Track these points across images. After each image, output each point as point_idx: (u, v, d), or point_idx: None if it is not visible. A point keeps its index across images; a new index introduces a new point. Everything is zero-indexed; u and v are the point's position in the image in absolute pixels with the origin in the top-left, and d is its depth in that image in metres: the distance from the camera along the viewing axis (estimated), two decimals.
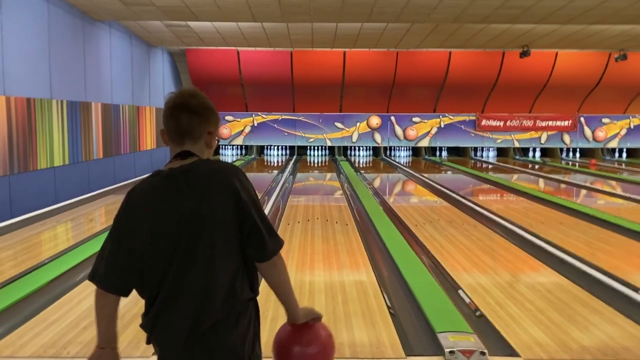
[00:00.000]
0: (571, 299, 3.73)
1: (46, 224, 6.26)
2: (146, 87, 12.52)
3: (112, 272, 1.59)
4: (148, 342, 1.63)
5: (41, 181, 7.64)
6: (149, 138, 12.54)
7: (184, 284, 1.54)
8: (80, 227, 6.34)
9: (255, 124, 15.66)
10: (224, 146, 16.07)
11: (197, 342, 1.54)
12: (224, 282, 1.54)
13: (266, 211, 7.15)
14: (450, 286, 4.02)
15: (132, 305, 3.19)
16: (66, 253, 4.92)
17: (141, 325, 1.62)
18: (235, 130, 15.70)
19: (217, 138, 1.73)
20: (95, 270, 1.62)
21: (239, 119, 15.66)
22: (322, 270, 4.37)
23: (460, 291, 3.89)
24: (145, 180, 1.63)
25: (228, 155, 16.03)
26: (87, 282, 3.14)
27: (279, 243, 1.63)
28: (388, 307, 3.52)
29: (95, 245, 5.09)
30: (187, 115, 1.60)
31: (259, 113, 15.62)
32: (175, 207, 1.55)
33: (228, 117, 15.63)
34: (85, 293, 3.81)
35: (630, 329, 3.21)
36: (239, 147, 16.12)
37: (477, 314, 3.46)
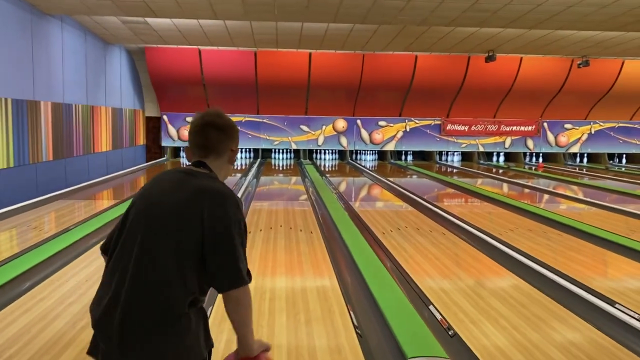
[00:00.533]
0: (542, 310, 3.53)
1: None
2: (102, 86, 11.94)
3: (108, 236, 1.76)
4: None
5: None
6: (104, 139, 11.96)
7: (130, 277, 1.57)
8: (25, 234, 5.84)
9: None
10: (184, 148, 15.54)
11: (130, 343, 1.53)
12: (168, 292, 1.54)
13: None
14: (421, 301, 3.76)
15: None
16: (8, 262, 4.45)
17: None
18: None
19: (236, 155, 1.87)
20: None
21: None
22: (284, 284, 4.05)
23: (431, 307, 3.64)
24: (171, 170, 1.78)
25: None
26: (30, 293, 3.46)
27: (239, 279, 1.59)
28: (355, 327, 3.23)
29: (43, 254, 4.64)
30: (215, 133, 1.78)
31: None
32: (165, 201, 1.64)
33: (189, 119, 15.10)
34: (26, 307, 3.40)
35: None
36: None
37: (450, 333, 3.21)
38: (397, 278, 4.23)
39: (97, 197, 9.07)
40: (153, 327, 1.53)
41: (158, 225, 1.60)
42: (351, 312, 3.46)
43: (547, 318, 3.47)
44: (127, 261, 1.59)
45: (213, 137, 1.77)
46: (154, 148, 15.47)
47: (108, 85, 12.34)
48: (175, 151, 15.63)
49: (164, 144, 15.25)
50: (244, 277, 1.60)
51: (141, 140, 15.06)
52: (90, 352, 1.64)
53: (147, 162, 15.00)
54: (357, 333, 3.15)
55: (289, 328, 3.23)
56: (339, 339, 3.05)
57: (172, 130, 15.15)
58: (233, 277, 1.58)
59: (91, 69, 11.24)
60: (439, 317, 3.44)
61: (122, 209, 7.08)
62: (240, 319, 1.62)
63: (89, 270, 4.35)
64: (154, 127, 15.34)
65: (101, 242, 1.79)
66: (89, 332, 1.70)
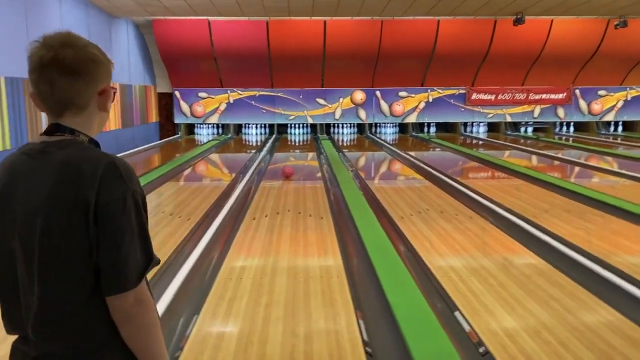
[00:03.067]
0: (602, 324, 2.92)
1: None
2: None
3: None
4: None
5: None
6: (112, 117, 11.49)
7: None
8: None
9: (231, 101, 14.61)
10: (198, 125, 15.04)
11: None
12: (62, 308, 1.16)
13: (234, 197, 6.30)
14: (445, 306, 3.18)
15: None
16: None
17: None
18: (209, 108, 14.64)
19: (113, 92, 1.32)
20: None
21: (213, 96, 14.59)
22: (284, 287, 3.50)
23: (457, 313, 3.06)
24: (20, 151, 1.25)
25: (203, 135, 15.01)
26: None
27: (123, 281, 1.15)
28: (364, 344, 2.67)
29: None
30: (64, 78, 1.20)
31: (234, 89, 14.56)
32: (16, 196, 1.19)
33: (201, 94, 14.56)
34: None
35: None
36: (214, 125, 15.09)
37: (482, 350, 2.63)
38: (416, 276, 3.64)
39: None
40: None
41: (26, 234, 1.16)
42: (361, 324, 2.90)
43: (612, 338, 2.85)
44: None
45: (62, 84, 1.20)
46: (167, 125, 14.99)
47: (115, 61, 11.69)
48: (190, 128, 15.14)
49: (176, 120, 14.76)
50: (129, 278, 1.15)
51: (154, 117, 14.58)
52: None
53: (160, 139, 14.56)
54: (366, 352, 2.59)
55: (285, 343, 2.69)
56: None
57: (184, 107, 14.63)
58: (114, 277, 1.15)
59: (95, 43, 10.69)
60: (467, 327, 2.86)
61: None
62: (135, 344, 1.18)
63: None
64: (166, 103, 14.84)
65: None
66: None
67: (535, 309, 3.10)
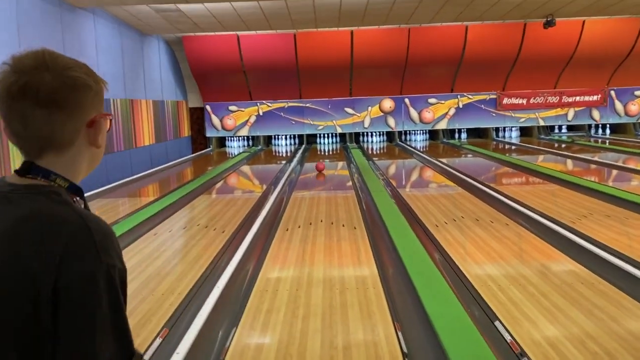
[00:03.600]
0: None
1: None
2: (141, 78, 11.70)
3: None
4: None
5: None
6: (146, 133, 11.75)
7: None
8: None
9: (261, 113, 14.76)
10: (229, 138, 15.24)
11: None
12: None
13: (266, 208, 6.34)
14: (485, 315, 3.13)
15: None
16: None
17: None
18: (239, 121, 14.83)
19: (109, 120, 1.04)
20: None
21: (243, 109, 14.78)
22: (320, 299, 3.50)
23: (497, 322, 3.00)
24: None
25: (234, 147, 15.19)
26: None
27: None
28: (403, 355, 2.64)
29: None
30: (39, 110, 0.92)
31: (263, 101, 14.72)
32: None
33: (232, 107, 14.77)
34: None
35: None
36: (244, 138, 15.26)
37: None
38: (454, 285, 3.60)
39: (142, 192, 8.81)
40: None
41: None
42: (399, 335, 2.87)
43: None
44: None
45: (37, 119, 0.92)
46: (199, 139, 15.24)
47: (147, 78, 12.10)
48: (221, 141, 15.34)
49: (208, 134, 14.99)
50: None
51: (186, 131, 14.84)
52: None
53: (192, 153, 14.80)
54: None
55: (324, 355, 2.69)
56: None
57: (215, 120, 14.85)
58: None
59: (128, 61, 10.99)
60: (508, 338, 2.81)
61: (167, 201, 6.89)
62: None
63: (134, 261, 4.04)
64: (198, 118, 15.09)
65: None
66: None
67: (579, 318, 3.02)
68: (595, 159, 10.40)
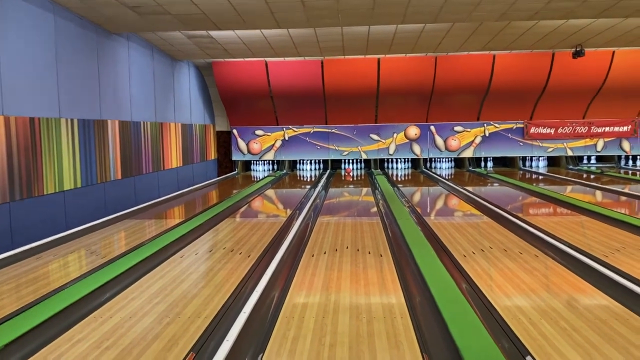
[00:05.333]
0: None
1: (56, 252, 5.60)
2: (171, 102, 11.96)
3: None
4: None
5: (49, 207, 7.05)
6: (174, 156, 11.95)
7: None
8: (98, 252, 5.65)
9: (287, 138, 14.91)
10: (255, 162, 15.39)
11: None
12: None
13: (292, 233, 6.35)
14: (516, 350, 3.05)
15: None
16: (78, 281, 4.44)
17: None
18: (265, 145, 14.99)
19: None
20: None
21: (269, 133, 14.95)
22: (346, 327, 3.47)
23: (528, 358, 2.93)
24: None
25: (259, 171, 15.33)
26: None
27: None
28: None
29: (112, 271, 4.71)
30: None
31: (289, 126, 14.88)
32: None
33: (258, 132, 14.96)
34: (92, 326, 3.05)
35: None
36: (269, 162, 15.40)
37: None
38: (483, 318, 3.53)
39: (168, 214, 8.91)
40: None
41: None
42: None
43: None
44: None
45: None
46: (225, 162, 15.43)
47: (177, 101, 12.36)
48: (246, 165, 15.51)
49: (234, 158, 15.17)
50: None
51: (212, 154, 15.05)
52: None
53: (218, 176, 14.97)
54: None
55: None
56: None
57: (242, 144, 15.04)
58: None
59: (159, 85, 11.25)
60: None
61: (193, 223, 6.97)
62: None
63: (161, 283, 4.28)
64: (224, 141, 15.31)
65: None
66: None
67: (614, 356, 2.93)
68: (626, 190, 10.19)
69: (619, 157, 15.16)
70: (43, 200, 6.93)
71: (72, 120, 7.62)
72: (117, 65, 9.23)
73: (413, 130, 14.83)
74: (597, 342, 3.13)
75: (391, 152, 14.90)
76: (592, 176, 12.95)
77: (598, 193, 10.05)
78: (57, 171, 7.26)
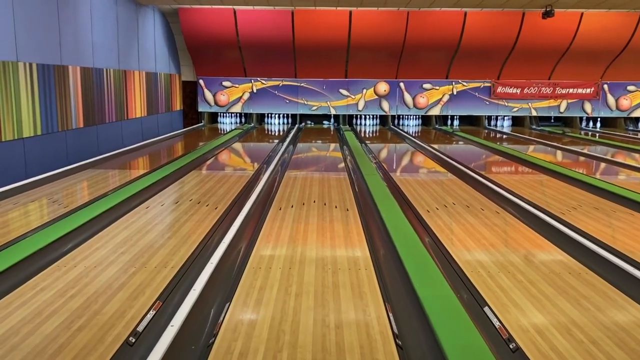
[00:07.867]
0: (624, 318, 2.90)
1: (17, 201, 5.46)
2: (135, 49, 11.55)
3: None
4: None
5: (8, 155, 6.82)
6: (138, 105, 11.64)
7: None
8: (52, 205, 5.54)
9: (255, 91, 14.67)
10: (221, 114, 15.14)
11: None
12: None
13: (259, 187, 6.36)
14: (474, 301, 3.19)
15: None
16: (40, 230, 4.38)
17: None
18: (233, 97, 14.74)
19: None
20: None
21: (237, 85, 14.68)
22: (312, 278, 3.54)
23: (486, 308, 3.07)
24: None
25: (226, 124, 15.12)
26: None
27: None
28: (394, 337, 2.70)
29: (76, 221, 4.67)
30: None
31: (258, 79, 14.62)
32: None
33: (225, 83, 14.66)
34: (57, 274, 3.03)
35: None
36: (237, 114, 15.19)
37: (512, 346, 2.64)
38: (444, 270, 3.65)
39: (132, 165, 8.75)
40: None
41: None
42: (390, 317, 2.92)
43: None
44: None
45: None
46: (191, 113, 15.13)
47: (141, 49, 11.94)
48: (213, 117, 15.25)
49: (200, 109, 14.88)
50: None
51: (178, 105, 14.72)
52: None
53: (184, 128, 14.70)
54: (397, 345, 2.62)
55: (316, 333, 2.73)
56: (376, 355, 2.53)
57: (208, 95, 14.74)
58: None
59: (123, 31, 10.82)
60: (497, 323, 2.87)
61: (158, 175, 6.89)
62: None
63: (126, 233, 4.34)
64: (190, 92, 14.96)
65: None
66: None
67: (566, 307, 3.10)
68: (585, 151, 10.51)
69: (581, 118, 15.54)
70: (1, 147, 6.69)
71: (30, 65, 7.30)
72: (78, 8, 8.80)
73: (382, 87, 14.79)
74: (551, 294, 3.30)
75: (360, 108, 14.87)
76: (553, 136, 13.26)
77: (559, 153, 10.34)
78: (16, 117, 6.99)
